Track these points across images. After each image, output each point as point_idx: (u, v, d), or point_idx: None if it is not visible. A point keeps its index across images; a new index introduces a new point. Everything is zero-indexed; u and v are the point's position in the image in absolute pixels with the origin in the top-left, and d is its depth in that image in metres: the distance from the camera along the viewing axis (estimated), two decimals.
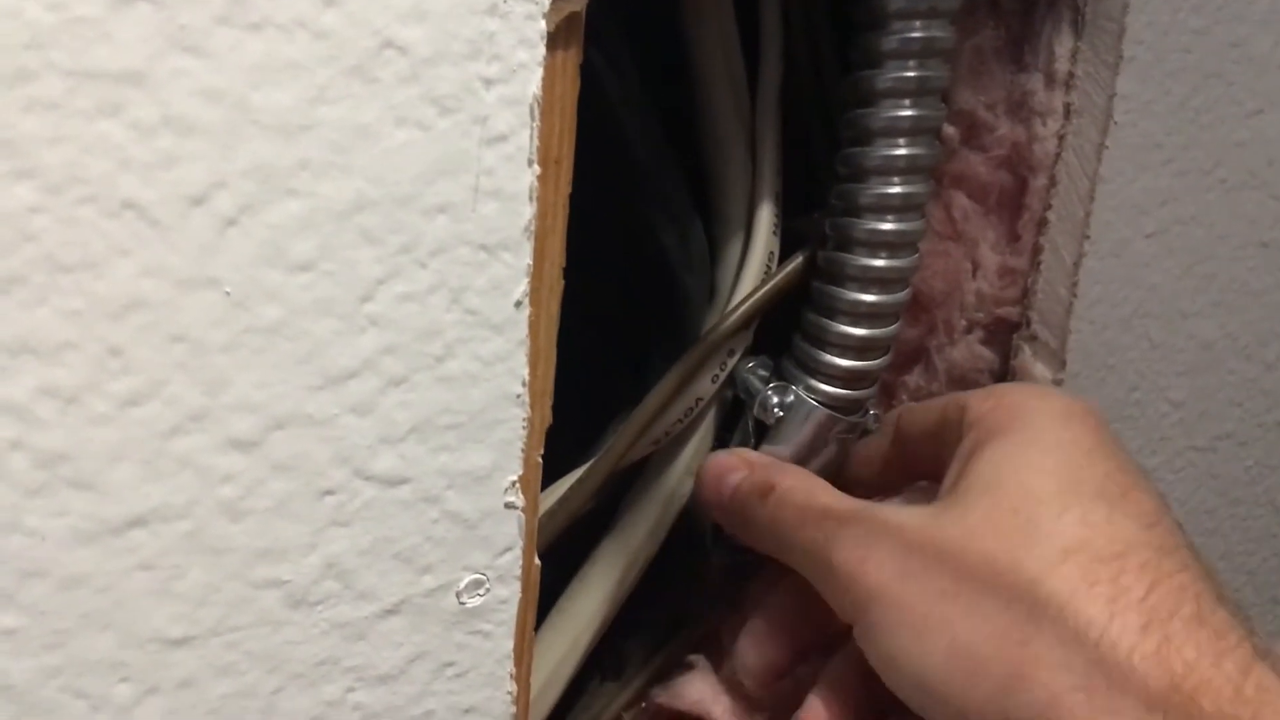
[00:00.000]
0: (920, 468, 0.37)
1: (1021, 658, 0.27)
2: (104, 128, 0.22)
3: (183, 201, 0.23)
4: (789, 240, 0.38)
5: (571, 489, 0.37)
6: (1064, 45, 0.36)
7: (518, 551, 0.30)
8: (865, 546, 0.31)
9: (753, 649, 0.37)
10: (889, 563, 0.31)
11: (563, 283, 0.30)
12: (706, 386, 0.38)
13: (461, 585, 0.30)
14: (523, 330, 0.28)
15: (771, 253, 0.38)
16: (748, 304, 0.37)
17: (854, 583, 0.31)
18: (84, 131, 0.22)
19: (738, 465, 0.37)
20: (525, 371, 0.29)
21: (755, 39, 0.38)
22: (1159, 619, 0.27)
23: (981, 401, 0.33)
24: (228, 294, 0.24)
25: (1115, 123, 0.36)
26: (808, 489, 0.34)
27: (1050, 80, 0.37)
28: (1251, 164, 0.40)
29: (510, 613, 0.30)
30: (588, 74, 0.29)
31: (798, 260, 0.37)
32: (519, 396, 0.29)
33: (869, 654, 0.31)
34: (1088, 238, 0.37)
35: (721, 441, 0.40)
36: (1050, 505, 0.30)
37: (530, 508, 0.30)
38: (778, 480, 0.35)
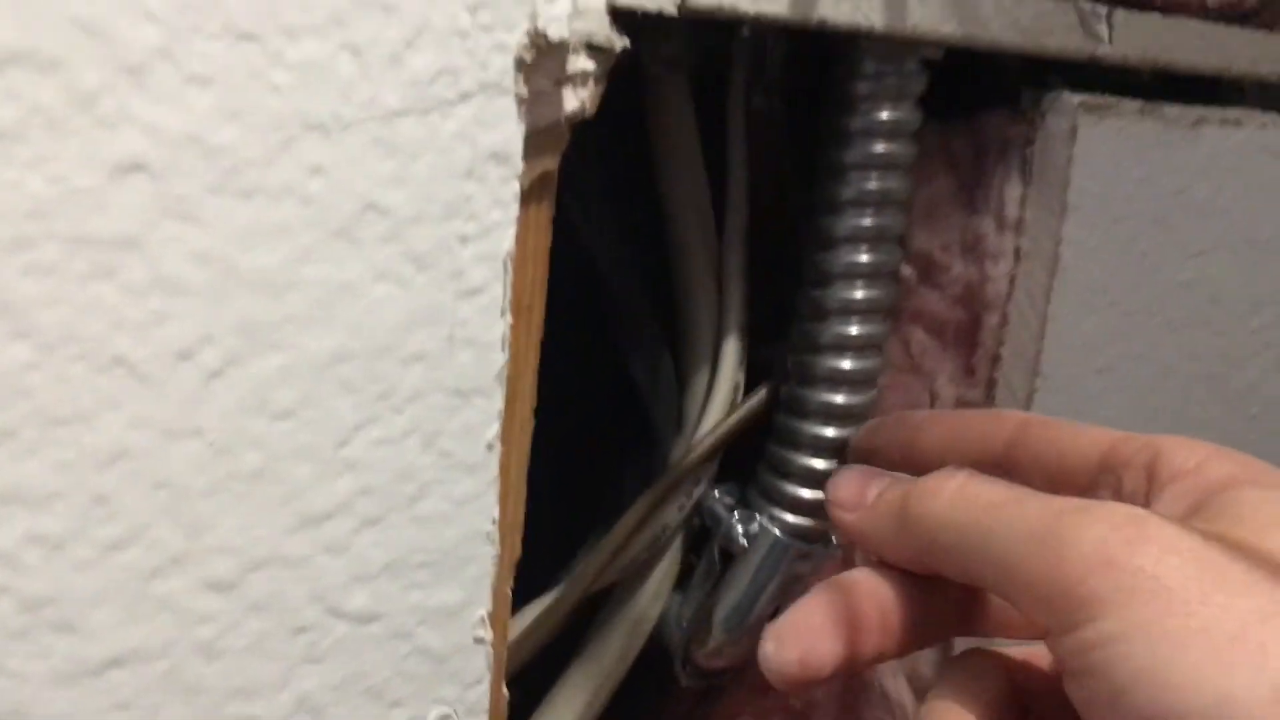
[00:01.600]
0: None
1: None
2: (98, 290, 0.23)
3: (171, 356, 0.24)
4: (755, 370, 0.40)
5: (540, 617, 0.38)
6: (1013, 192, 0.38)
7: (486, 684, 0.31)
8: (1136, 525, 0.24)
9: (790, 638, 0.30)
10: (1177, 554, 0.23)
11: (533, 421, 0.31)
12: (673, 515, 0.39)
13: (431, 719, 0.30)
14: (494, 470, 0.29)
15: (737, 385, 0.39)
16: (713, 436, 0.38)
17: (1115, 571, 0.23)
18: (79, 293, 0.23)
19: (880, 474, 0.32)
20: (496, 510, 0.30)
21: (723, 179, 0.39)
22: None
23: (1201, 459, 0.27)
24: (211, 442, 0.25)
25: (1063, 266, 0.38)
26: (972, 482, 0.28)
27: (1001, 224, 0.39)
28: (1195, 303, 0.42)
29: None
30: (561, 215, 0.30)
31: (761, 393, 0.39)
32: (489, 534, 0.30)
33: (1095, 671, 0.23)
34: (1039, 374, 0.38)
35: (688, 565, 0.41)
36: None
37: (499, 640, 0.31)
38: (969, 471, 0.28)
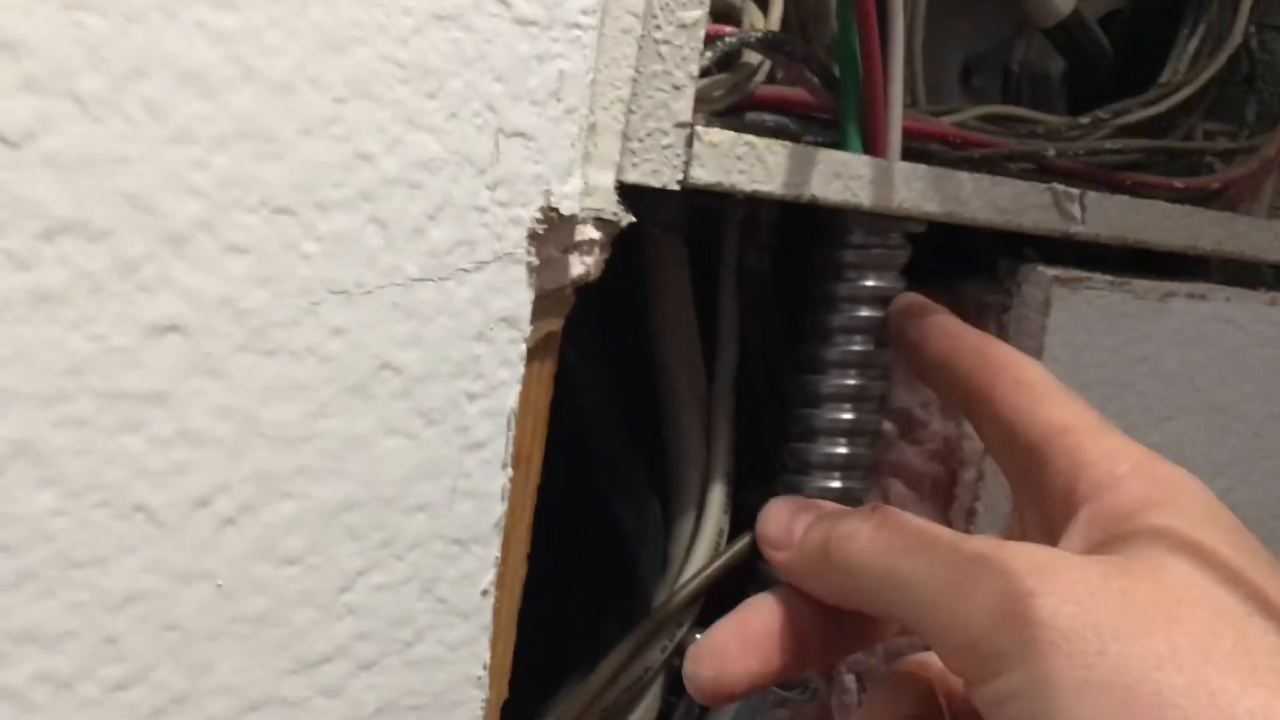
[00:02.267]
0: None
1: None
2: (125, 441, 0.24)
3: (188, 504, 0.25)
4: (740, 516, 0.41)
5: None
6: None
7: None
8: (1036, 577, 0.24)
9: (704, 659, 0.31)
10: (1075, 602, 0.23)
11: (526, 567, 0.33)
12: (656, 656, 0.40)
13: None
14: (487, 616, 0.30)
15: (722, 530, 0.40)
16: (697, 581, 0.39)
17: (1015, 624, 0.23)
18: (107, 445, 0.24)
19: (805, 506, 0.32)
20: (487, 655, 0.31)
21: (713, 330, 0.41)
22: None
23: (1114, 479, 0.28)
24: (219, 586, 0.26)
25: None
26: (910, 517, 0.29)
27: None
28: None
29: None
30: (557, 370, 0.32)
31: (746, 539, 0.40)
32: (480, 678, 0.31)
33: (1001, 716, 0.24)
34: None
35: (668, 706, 0.42)
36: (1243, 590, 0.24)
37: None
38: (884, 511, 0.29)
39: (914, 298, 0.37)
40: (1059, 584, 0.24)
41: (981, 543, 0.26)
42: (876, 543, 0.28)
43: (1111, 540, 0.26)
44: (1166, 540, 0.25)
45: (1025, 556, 0.25)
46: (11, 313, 0.23)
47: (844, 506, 0.32)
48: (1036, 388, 0.31)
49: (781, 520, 0.32)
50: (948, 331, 0.34)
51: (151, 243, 0.24)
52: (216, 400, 0.25)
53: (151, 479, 0.25)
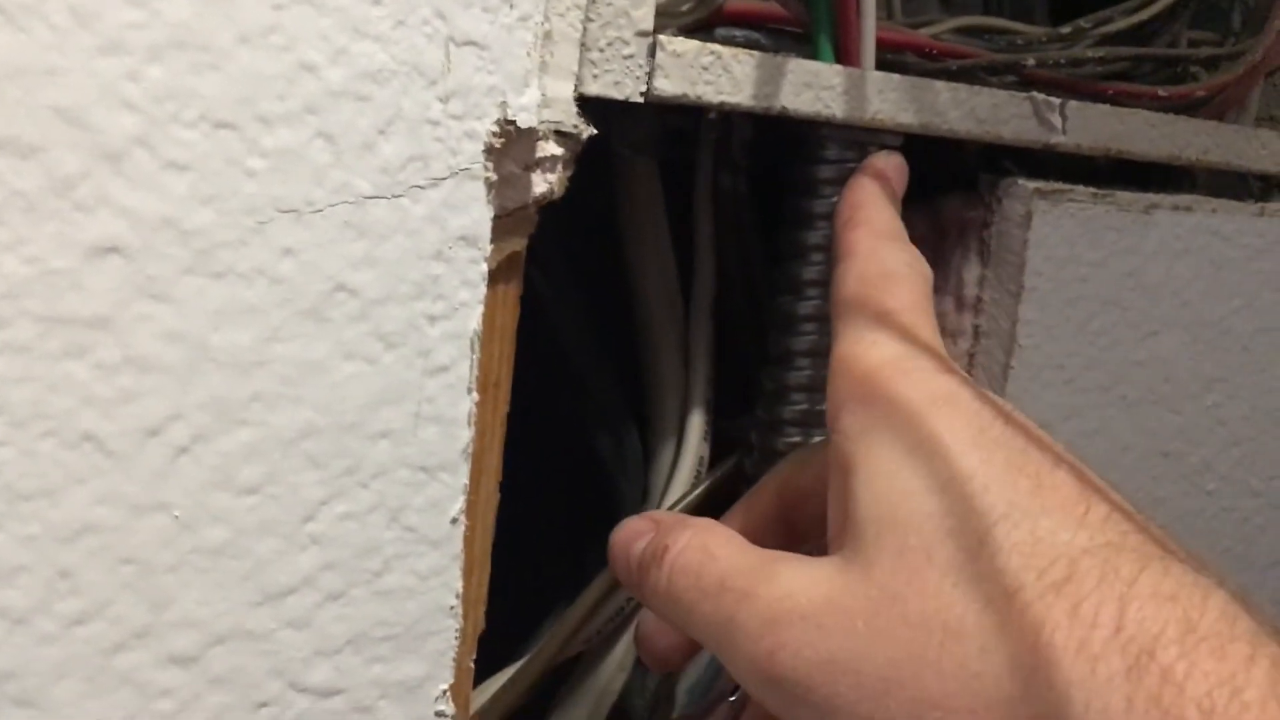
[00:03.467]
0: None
1: None
2: (69, 368, 0.24)
3: (139, 433, 0.25)
4: (720, 445, 0.41)
5: (504, 687, 0.38)
6: (972, 273, 0.39)
7: None
8: (772, 634, 0.26)
9: (642, 641, 0.34)
10: (806, 652, 0.25)
11: (498, 496, 0.32)
12: None
13: None
14: (458, 545, 0.30)
15: (702, 458, 0.40)
16: (678, 509, 0.39)
17: (768, 680, 0.26)
18: (50, 371, 0.23)
19: (644, 530, 0.31)
20: (460, 584, 0.30)
21: (690, 257, 0.40)
22: (1144, 650, 0.22)
23: (838, 405, 0.28)
24: (176, 517, 0.26)
25: (1019, 345, 0.39)
26: (704, 548, 0.29)
27: (960, 304, 0.40)
28: (1150, 381, 0.43)
29: None
30: (528, 292, 0.31)
31: (726, 466, 0.39)
32: (453, 608, 0.30)
33: None
34: None
35: None
36: (964, 533, 0.25)
37: (461, 714, 0.31)
38: (671, 540, 0.30)
39: (874, 158, 0.35)
40: (789, 639, 0.26)
41: (744, 579, 0.27)
42: (674, 575, 0.29)
43: (841, 503, 0.27)
44: (869, 525, 0.26)
45: (766, 606, 0.26)
46: None
47: (679, 517, 0.32)
48: (854, 272, 0.31)
49: (626, 535, 0.32)
50: (846, 199, 0.34)
51: (86, 160, 0.23)
52: (164, 325, 0.24)
53: (99, 407, 0.24)
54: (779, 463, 0.34)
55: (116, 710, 0.26)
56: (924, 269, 0.31)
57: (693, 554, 0.29)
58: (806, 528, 0.32)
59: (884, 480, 0.26)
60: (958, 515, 0.25)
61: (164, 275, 0.24)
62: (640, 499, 0.40)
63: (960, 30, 0.41)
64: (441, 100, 0.27)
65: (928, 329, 0.30)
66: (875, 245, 0.31)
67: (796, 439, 0.37)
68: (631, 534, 0.31)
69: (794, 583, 0.26)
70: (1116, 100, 0.40)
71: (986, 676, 0.23)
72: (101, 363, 0.24)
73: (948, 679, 0.23)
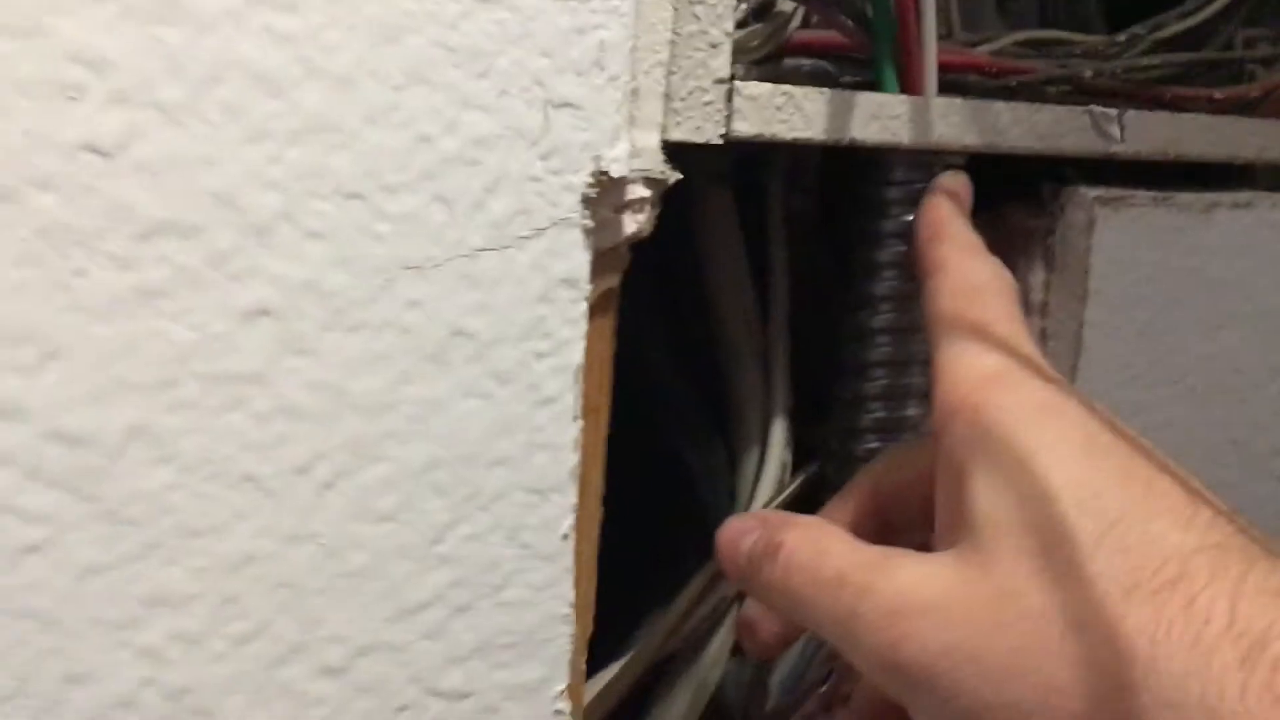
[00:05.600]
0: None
1: None
2: (230, 419, 0.27)
3: (290, 472, 0.28)
4: (802, 451, 0.43)
5: (609, 685, 0.41)
6: (1037, 278, 0.41)
7: None
8: (895, 625, 0.28)
9: (743, 625, 0.36)
10: (929, 642, 0.27)
11: (602, 510, 0.35)
12: (729, 587, 0.42)
13: None
14: (569, 558, 0.33)
15: (785, 464, 0.42)
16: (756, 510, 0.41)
17: (892, 668, 0.28)
18: (214, 423, 0.27)
19: (752, 527, 0.33)
20: (572, 593, 0.33)
21: (765, 274, 0.43)
22: (1256, 643, 0.23)
23: (947, 414, 0.30)
24: (324, 545, 0.29)
25: (1086, 346, 0.41)
26: (817, 545, 0.30)
27: (1027, 308, 0.41)
28: (1216, 373, 0.44)
29: None
30: (620, 321, 0.34)
31: (809, 471, 0.42)
32: (566, 616, 0.33)
33: None
34: None
35: None
36: (1080, 536, 0.26)
37: (575, 711, 0.34)
38: (784, 537, 0.31)
39: (943, 178, 0.37)
40: (913, 630, 0.27)
41: (862, 574, 0.29)
42: (789, 569, 0.31)
43: (954, 505, 0.29)
44: (986, 524, 0.27)
45: (887, 600, 0.28)
46: (120, 309, 0.25)
47: (786, 515, 0.33)
48: (947, 286, 0.32)
49: (731, 533, 0.33)
50: (925, 218, 0.35)
51: (238, 235, 0.26)
52: (308, 376, 0.27)
53: (256, 451, 0.27)
54: (872, 463, 0.36)
55: (278, 718, 0.29)
56: (1010, 279, 0.33)
57: (808, 550, 0.30)
58: (901, 524, 0.34)
59: (999, 485, 0.27)
60: (1074, 519, 0.26)
61: (307, 332, 0.27)
62: (729, 505, 0.43)
63: (1019, 44, 0.43)
64: (542, 158, 0.29)
65: (1025, 338, 0.31)
66: (963, 260, 0.33)
67: (874, 444, 0.39)
68: (738, 531, 0.33)
69: (913, 577, 0.28)
70: (1173, 105, 0.42)
71: (1106, 666, 0.24)
72: (257, 412, 0.27)
73: (1068, 668, 0.25)
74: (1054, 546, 0.26)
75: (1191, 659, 0.23)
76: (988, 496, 0.28)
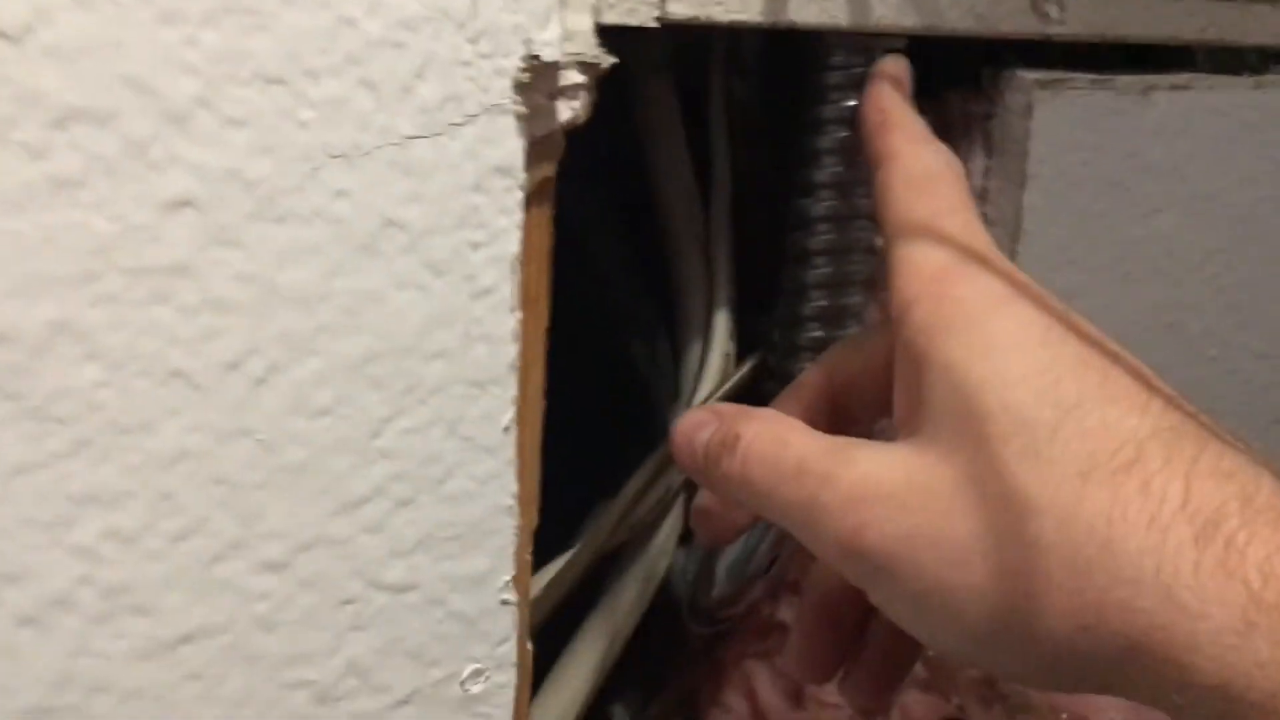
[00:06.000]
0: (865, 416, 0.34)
1: (1080, 610, 0.25)
2: (156, 312, 0.26)
3: (221, 367, 0.27)
4: (745, 342, 0.43)
5: (558, 575, 0.41)
6: (977, 164, 0.41)
7: (513, 642, 0.34)
8: (857, 511, 0.28)
9: (699, 513, 0.36)
10: (891, 527, 0.28)
11: (544, 403, 0.34)
12: (676, 477, 0.42)
13: (464, 675, 0.33)
14: (511, 450, 0.32)
15: (728, 355, 0.42)
16: (709, 402, 0.41)
17: (854, 553, 0.28)
18: (139, 317, 0.26)
19: (707, 420, 0.33)
20: (515, 486, 0.33)
21: (707, 165, 0.42)
22: (1209, 521, 0.24)
23: (906, 304, 0.30)
24: (260, 441, 0.28)
25: (1025, 230, 0.41)
26: (776, 436, 0.31)
27: None
28: (1152, 257, 0.45)
29: (508, 696, 0.34)
30: (559, 211, 0.33)
31: (751, 363, 0.42)
32: (510, 508, 0.33)
33: (896, 621, 0.29)
34: None
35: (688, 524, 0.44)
36: (1039, 422, 0.26)
37: (522, 601, 0.34)
38: (742, 429, 0.31)
39: (884, 63, 0.36)
40: (873, 516, 0.28)
41: (822, 463, 0.29)
42: (750, 459, 0.31)
43: (913, 392, 0.29)
44: (947, 412, 0.28)
45: (848, 487, 0.29)
46: (35, 200, 0.24)
47: (741, 408, 0.33)
48: (900, 176, 0.32)
49: (685, 431, 0.34)
50: (871, 105, 0.35)
51: (155, 122, 0.25)
52: (236, 268, 0.27)
53: (185, 346, 0.27)
54: (823, 355, 0.36)
55: (220, 613, 0.29)
56: (959, 166, 0.33)
57: (766, 440, 0.31)
58: (853, 415, 0.34)
59: (959, 373, 0.28)
60: (1032, 405, 0.27)
61: (232, 222, 0.26)
62: (673, 395, 0.43)
63: None
64: (471, 41, 0.28)
65: (979, 228, 0.32)
66: (913, 148, 0.33)
67: (817, 333, 0.39)
68: (694, 425, 0.33)
69: (873, 464, 0.29)
70: None
71: (1063, 547, 0.25)
72: (184, 306, 0.26)
73: (1026, 549, 0.25)
74: (1013, 433, 0.26)
75: (1148, 537, 0.24)
76: (947, 385, 0.28)
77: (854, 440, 0.30)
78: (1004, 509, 0.26)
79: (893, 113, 0.34)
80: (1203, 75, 0.45)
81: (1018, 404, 0.27)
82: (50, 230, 0.25)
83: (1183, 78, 0.44)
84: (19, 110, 0.24)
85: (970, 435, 0.27)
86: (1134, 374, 0.27)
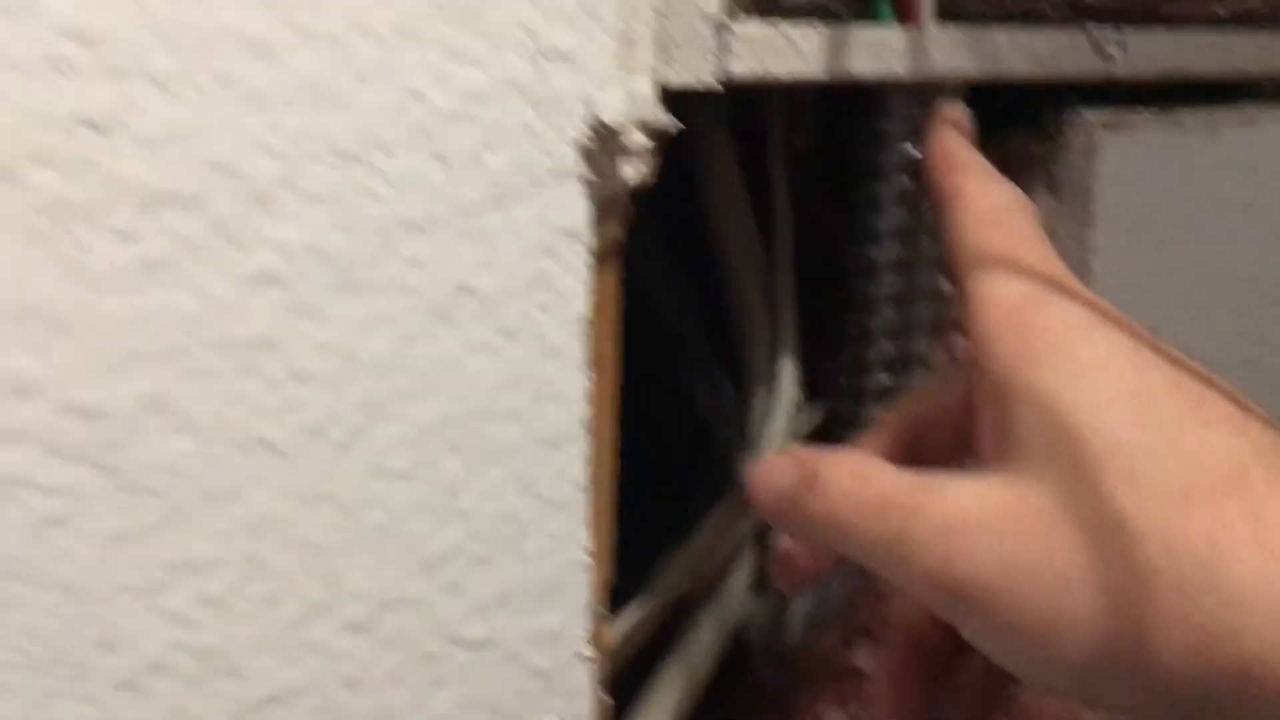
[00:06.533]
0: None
1: (1189, 634, 0.24)
2: (242, 384, 0.27)
3: (304, 435, 0.28)
4: (813, 389, 0.43)
5: (633, 627, 0.41)
6: (1041, 205, 0.41)
7: (589, 695, 0.35)
8: (948, 542, 0.27)
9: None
10: (984, 557, 0.27)
11: (618, 459, 0.35)
12: (746, 524, 0.42)
13: None
14: (585, 507, 0.33)
15: (795, 402, 0.42)
16: (782, 449, 0.41)
17: (947, 587, 0.27)
18: (226, 389, 0.27)
19: (785, 463, 0.32)
20: (589, 541, 0.33)
21: (769, 214, 0.43)
22: None
23: (987, 336, 0.29)
24: (342, 505, 0.29)
25: (1092, 271, 0.41)
26: (858, 474, 0.30)
27: None
28: (1225, 292, 0.44)
29: None
30: (627, 269, 0.34)
31: (820, 410, 0.42)
32: (584, 563, 0.33)
33: (990, 655, 0.28)
34: None
35: (764, 570, 0.44)
36: (1135, 444, 0.26)
37: (597, 655, 0.35)
38: (822, 468, 0.31)
39: (943, 109, 0.36)
40: (966, 546, 0.27)
41: (909, 496, 0.29)
42: (837, 499, 0.30)
43: (999, 424, 0.28)
44: (1036, 438, 0.27)
45: (938, 518, 0.28)
46: (126, 282, 0.25)
47: (819, 450, 0.32)
48: (970, 212, 0.32)
49: (763, 476, 0.33)
50: (935, 149, 0.35)
51: (238, 203, 0.26)
52: (317, 339, 0.28)
53: (269, 415, 0.28)
54: (898, 400, 0.36)
55: (307, 674, 0.30)
56: (1028, 201, 0.33)
57: (849, 479, 0.30)
58: (932, 456, 0.34)
59: (1048, 399, 0.27)
60: (1128, 428, 0.26)
61: (313, 296, 0.27)
62: (741, 444, 0.43)
63: None
64: (537, 110, 0.29)
65: (1054, 258, 0.31)
66: (981, 185, 0.33)
67: (884, 379, 0.39)
68: (773, 468, 0.32)
69: (963, 495, 0.28)
70: (1175, 21, 0.41)
71: (1169, 571, 0.24)
72: (268, 377, 0.27)
73: (1130, 574, 0.25)
74: (1109, 456, 0.26)
75: (1254, 558, 0.24)
76: (1036, 412, 0.27)
77: (939, 474, 0.29)
78: (1104, 533, 0.25)
79: (958, 153, 0.34)
80: (1269, 109, 0.44)
81: (1112, 427, 0.26)
82: (141, 309, 0.26)
83: (1249, 112, 0.43)
84: (110, 197, 0.25)
85: (1064, 460, 0.26)
86: (1228, 396, 0.27)
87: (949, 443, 0.33)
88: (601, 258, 0.32)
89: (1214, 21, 0.42)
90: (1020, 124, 0.42)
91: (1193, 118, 0.42)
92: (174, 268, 0.26)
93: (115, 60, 0.24)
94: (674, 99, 0.32)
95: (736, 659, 0.45)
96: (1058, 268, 0.31)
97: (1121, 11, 0.41)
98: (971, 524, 0.27)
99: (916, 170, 0.38)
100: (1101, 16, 0.40)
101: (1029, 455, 0.27)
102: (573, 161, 0.30)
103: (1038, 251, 0.31)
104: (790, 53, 0.34)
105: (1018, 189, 0.33)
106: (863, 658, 0.46)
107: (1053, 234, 0.41)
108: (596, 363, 0.33)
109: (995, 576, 0.27)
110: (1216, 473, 0.25)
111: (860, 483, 0.30)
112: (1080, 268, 0.41)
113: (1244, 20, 0.43)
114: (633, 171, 0.32)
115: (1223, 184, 0.43)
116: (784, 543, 0.37)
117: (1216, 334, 0.45)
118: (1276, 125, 0.44)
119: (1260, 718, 0.24)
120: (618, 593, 0.38)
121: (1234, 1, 0.43)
